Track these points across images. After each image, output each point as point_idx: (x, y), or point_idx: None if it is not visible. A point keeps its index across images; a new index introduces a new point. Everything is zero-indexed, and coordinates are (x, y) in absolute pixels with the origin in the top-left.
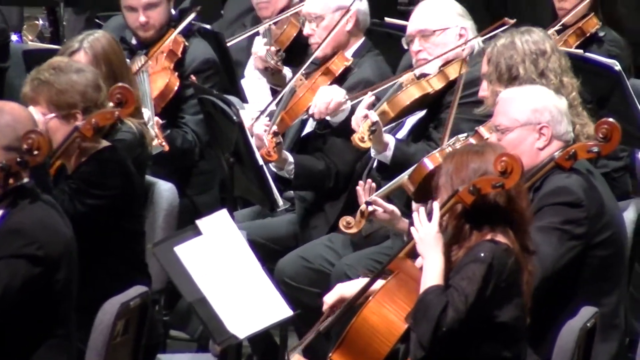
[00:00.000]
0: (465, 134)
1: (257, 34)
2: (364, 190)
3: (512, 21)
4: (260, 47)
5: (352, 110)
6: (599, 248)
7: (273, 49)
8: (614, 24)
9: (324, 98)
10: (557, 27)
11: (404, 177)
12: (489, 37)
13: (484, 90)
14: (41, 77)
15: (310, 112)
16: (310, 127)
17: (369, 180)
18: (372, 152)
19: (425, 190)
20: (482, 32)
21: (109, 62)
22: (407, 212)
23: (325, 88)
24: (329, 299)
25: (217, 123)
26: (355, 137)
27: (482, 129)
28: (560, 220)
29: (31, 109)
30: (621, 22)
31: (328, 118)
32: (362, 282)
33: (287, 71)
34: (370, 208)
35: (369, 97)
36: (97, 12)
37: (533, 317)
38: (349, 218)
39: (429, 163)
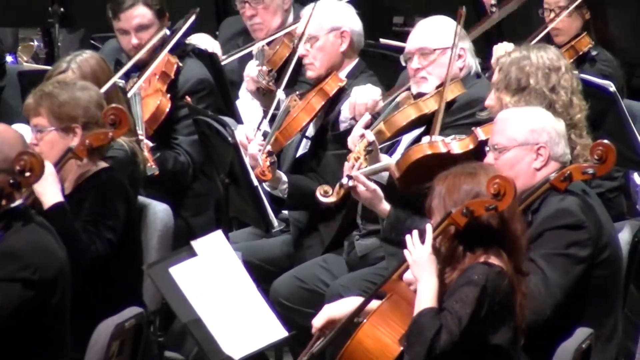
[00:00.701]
0: (463, 135)
1: (250, 54)
2: (350, 166)
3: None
4: (252, 69)
5: (350, 129)
6: (599, 268)
7: (265, 68)
8: (606, 44)
9: (362, 99)
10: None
11: (392, 160)
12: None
13: (491, 99)
14: (45, 89)
15: (350, 114)
16: (304, 148)
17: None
18: None
19: (409, 178)
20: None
21: (98, 83)
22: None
23: (360, 89)
24: (317, 322)
25: (212, 144)
26: (352, 157)
27: (478, 130)
28: (564, 245)
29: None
30: (613, 42)
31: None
32: (349, 302)
33: (280, 93)
34: (351, 183)
35: (366, 117)
36: (91, 33)
37: (533, 338)
38: (326, 187)
39: (417, 152)
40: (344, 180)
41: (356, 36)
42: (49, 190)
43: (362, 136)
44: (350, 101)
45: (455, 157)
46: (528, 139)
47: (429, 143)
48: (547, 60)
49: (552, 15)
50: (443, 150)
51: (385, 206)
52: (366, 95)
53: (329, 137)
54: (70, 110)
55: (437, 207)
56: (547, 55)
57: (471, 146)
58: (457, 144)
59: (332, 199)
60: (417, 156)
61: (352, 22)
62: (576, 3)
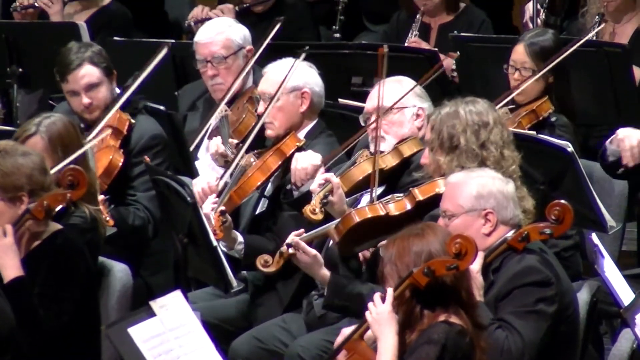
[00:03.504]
0: (400, 194)
1: (217, 121)
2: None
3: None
4: (218, 146)
5: (301, 196)
6: (564, 324)
7: (233, 141)
8: (566, 110)
9: (301, 165)
10: (508, 105)
11: (331, 225)
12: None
13: (425, 157)
14: None
15: (292, 181)
16: (262, 206)
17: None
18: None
19: (348, 242)
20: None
21: (65, 146)
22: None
23: (300, 155)
24: None
25: (170, 204)
26: (307, 209)
27: (415, 191)
28: (532, 301)
29: None
30: (573, 107)
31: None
32: None
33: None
34: (291, 250)
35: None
36: (50, 94)
37: None
38: (266, 257)
39: (355, 216)
40: (284, 249)
41: (316, 97)
42: (9, 264)
43: (321, 185)
44: (291, 168)
45: (395, 219)
46: (475, 206)
47: (368, 206)
48: (475, 115)
49: (516, 73)
50: (382, 213)
51: (325, 272)
52: (305, 161)
53: (283, 204)
54: (15, 180)
55: (390, 273)
56: (475, 109)
57: (409, 206)
58: (394, 205)
59: (272, 268)
60: (357, 220)
61: (313, 83)
62: (544, 70)
